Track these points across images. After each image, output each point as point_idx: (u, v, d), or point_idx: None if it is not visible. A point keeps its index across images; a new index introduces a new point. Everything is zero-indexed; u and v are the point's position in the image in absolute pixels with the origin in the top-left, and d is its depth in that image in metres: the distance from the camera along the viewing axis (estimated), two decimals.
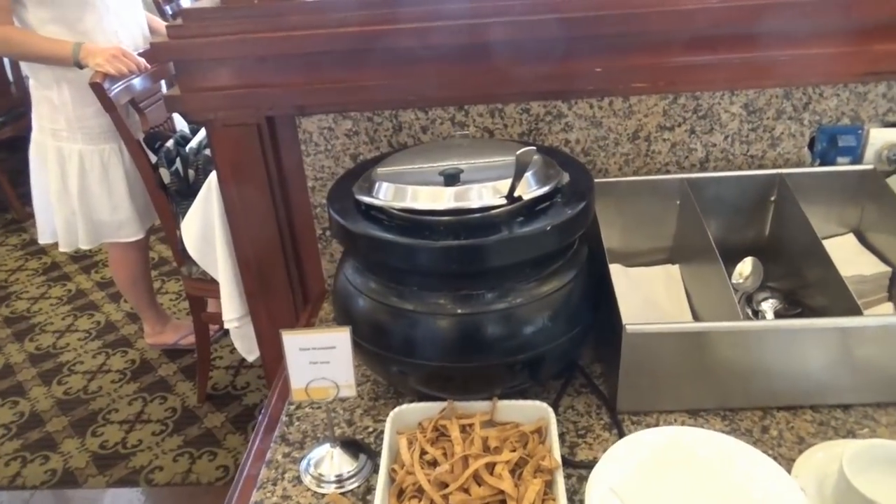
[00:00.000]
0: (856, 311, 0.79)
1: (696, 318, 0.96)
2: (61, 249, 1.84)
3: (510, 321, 0.77)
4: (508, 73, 0.96)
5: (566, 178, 0.83)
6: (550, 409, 0.78)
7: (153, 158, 1.61)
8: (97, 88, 1.48)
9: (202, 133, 1.64)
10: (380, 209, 0.78)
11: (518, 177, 0.74)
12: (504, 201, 0.74)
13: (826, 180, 0.99)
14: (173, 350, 2.15)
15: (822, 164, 1.02)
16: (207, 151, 1.54)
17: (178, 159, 1.54)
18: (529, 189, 0.76)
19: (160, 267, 2.68)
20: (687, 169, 1.04)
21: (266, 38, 0.94)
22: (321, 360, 0.73)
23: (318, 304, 1.16)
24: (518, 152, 0.70)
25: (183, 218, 1.49)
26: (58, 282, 2.62)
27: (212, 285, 1.57)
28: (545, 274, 0.79)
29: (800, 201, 0.93)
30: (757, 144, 1.02)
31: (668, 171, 1.05)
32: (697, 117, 1.00)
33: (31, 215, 3.11)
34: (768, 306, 0.94)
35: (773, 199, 1.00)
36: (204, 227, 1.36)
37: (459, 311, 0.76)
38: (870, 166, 0.99)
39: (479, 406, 0.80)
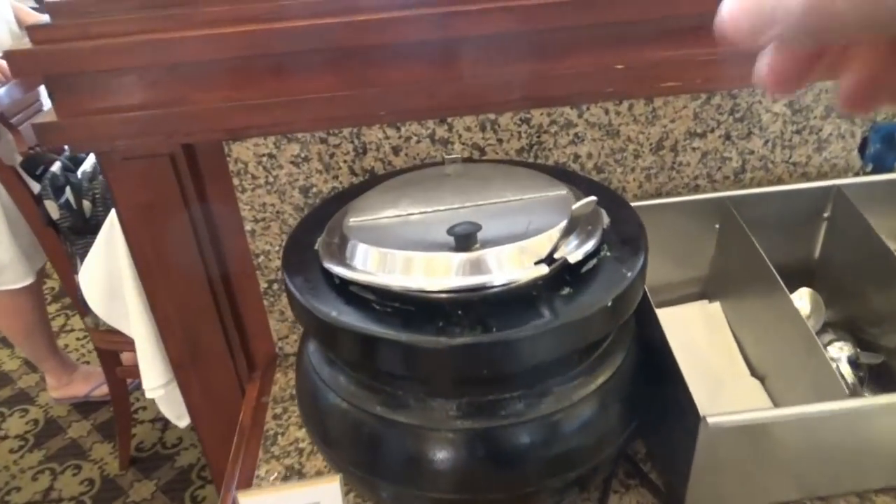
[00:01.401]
0: None
1: (751, 369, 0.78)
2: None
3: (552, 432, 0.56)
4: (503, 74, 0.73)
5: (605, 218, 0.62)
6: None
7: (36, 188, 1.29)
8: None
9: None
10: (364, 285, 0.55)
11: (565, 236, 0.52)
12: (543, 269, 0.52)
13: (888, 190, 0.82)
14: (85, 403, 1.83)
15: (874, 170, 0.86)
16: None
17: (67, 188, 1.24)
18: (569, 245, 0.55)
19: (62, 299, 2.30)
20: (719, 182, 0.85)
21: (176, 38, 0.68)
22: None
23: (269, 375, 0.91)
24: (574, 207, 0.48)
25: (81, 260, 1.19)
26: None
27: (125, 337, 1.28)
28: (593, 359, 0.58)
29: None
30: (801, 149, 0.84)
31: (697, 186, 0.85)
32: (734, 120, 0.81)
33: None
34: (838, 352, 0.77)
35: (826, 215, 0.83)
36: (109, 278, 1.08)
37: (480, 425, 0.55)
38: None
39: None
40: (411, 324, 0.51)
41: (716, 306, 0.84)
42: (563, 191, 0.61)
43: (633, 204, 0.79)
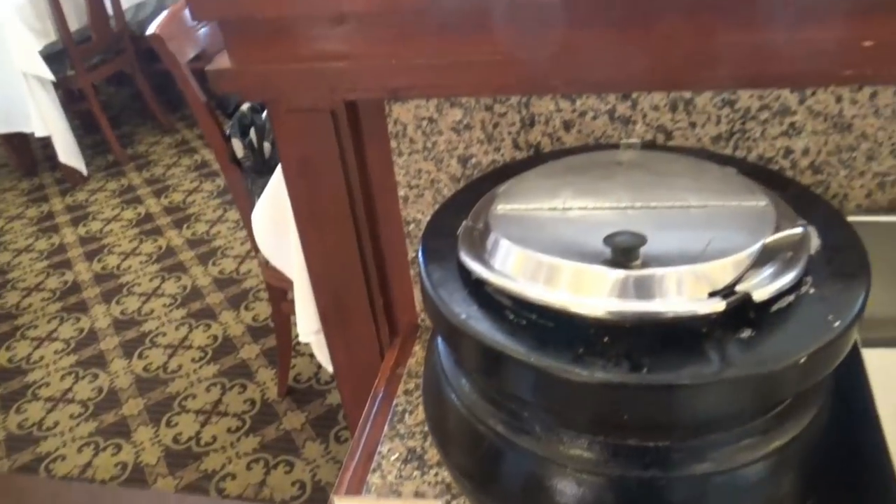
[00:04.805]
0: None
1: None
2: None
3: (703, 497, 0.45)
4: (711, 44, 0.61)
5: (814, 241, 0.49)
6: None
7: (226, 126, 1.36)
8: (158, 42, 1.24)
9: None
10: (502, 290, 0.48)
11: (755, 266, 0.41)
12: (718, 305, 0.41)
13: None
14: (258, 327, 1.97)
15: None
16: None
17: (252, 129, 1.29)
18: (760, 276, 0.43)
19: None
20: None
21: None
22: None
23: (409, 344, 0.88)
24: (772, 238, 0.37)
25: (259, 199, 1.24)
26: (150, 236, 2.51)
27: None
28: (770, 417, 0.46)
29: None
30: None
31: None
32: None
33: (132, 158, 3.06)
34: None
35: None
36: (276, 221, 1.11)
37: (615, 471, 0.46)
38: None
39: None
40: (546, 344, 0.43)
41: None
42: (762, 201, 0.49)
43: (856, 218, 0.63)
